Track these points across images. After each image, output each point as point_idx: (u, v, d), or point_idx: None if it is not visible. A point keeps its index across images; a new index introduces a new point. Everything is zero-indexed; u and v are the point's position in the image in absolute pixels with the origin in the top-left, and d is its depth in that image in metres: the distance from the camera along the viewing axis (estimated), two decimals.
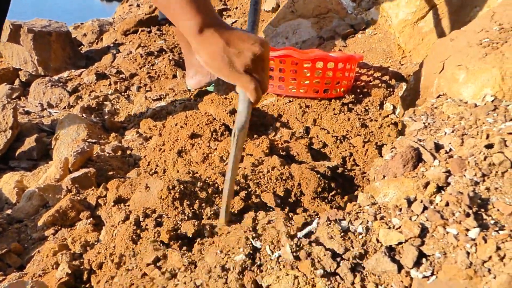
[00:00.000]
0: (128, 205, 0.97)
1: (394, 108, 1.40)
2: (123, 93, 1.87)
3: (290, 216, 0.99)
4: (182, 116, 1.24)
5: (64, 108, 1.82)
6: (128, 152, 1.33)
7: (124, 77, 1.99)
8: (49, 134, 1.52)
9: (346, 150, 1.24)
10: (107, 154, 1.29)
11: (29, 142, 1.41)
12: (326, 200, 1.03)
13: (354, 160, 1.21)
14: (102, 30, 2.71)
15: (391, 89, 1.48)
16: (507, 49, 0.97)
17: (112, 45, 2.46)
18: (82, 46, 2.62)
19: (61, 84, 1.94)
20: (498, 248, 0.56)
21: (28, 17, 2.35)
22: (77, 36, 2.70)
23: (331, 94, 1.40)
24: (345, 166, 1.19)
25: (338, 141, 1.26)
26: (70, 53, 2.27)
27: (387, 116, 1.37)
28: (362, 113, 1.39)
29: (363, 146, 1.24)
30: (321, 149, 1.25)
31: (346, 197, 1.04)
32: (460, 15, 1.51)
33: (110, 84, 1.93)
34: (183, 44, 1.73)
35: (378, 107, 1.44)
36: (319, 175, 1.04)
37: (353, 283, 0.63)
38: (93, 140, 1.39)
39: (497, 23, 1.09)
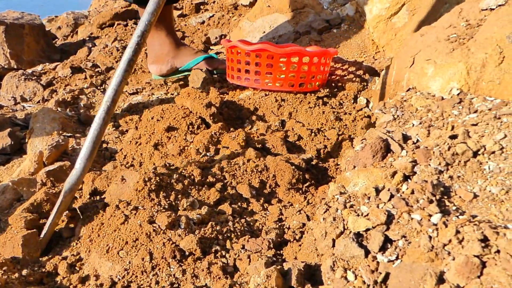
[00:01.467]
0: (104, 197, 0.98)
1: (368, 101, 1.44)
2: (99, 87, 1.85)
3: (265, 207, 1.02)
4: (158, 110, 1.24)
5: (38, 102, 1.80)
6: (104, 145, 1.33)
7: (100, 71, 1.97)
8: (23, 128, 1.49)
9: (320, 142, 1.27)
10: None
11: (2, 136, 1.38)
12: (300, 191, 1.06)
13: (328, 152, 1.24)
14: (77, 23, 2.67)
15: (365, 83, 1.52)
16: (473, 45, 1.01)
17: (87, 38, 2.43)
18: (57, 40, 2.58)
19: (35, 77, 1.91)
20: (458, 232, 0.59)
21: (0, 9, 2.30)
22: (51, 29, 2.65)
23: (307, 88, 1.42)
24: (320, 158, 1.22)
25: (313, 134, 1.29)
26: (44, 46, 2.23)
27: (361, 109, 1.40)
28: (337, 106, 1.42)
29: (337, 139, 1.27)
30: (297, 142, 1.28)
31: (320, 188, 1.07)
32: (431, 11, 1.55)
33: (85, 78, 1.91)
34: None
35: (352, 101, 1.47)
36: (293, 167, 1.07)
37: None
38: (68, 134, 1.38)
39: (464, 19, 1.13)
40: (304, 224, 0.93)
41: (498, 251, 0.56)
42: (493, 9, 1.05)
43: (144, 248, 0.83)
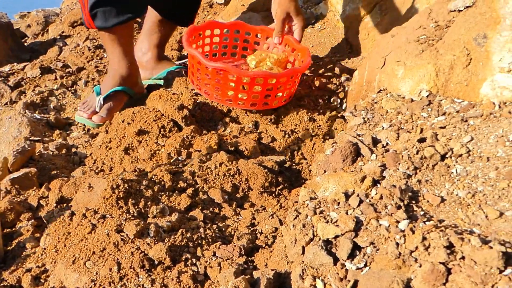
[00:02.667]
0: (71, 206, 0.95)
1: (342, 102, 1.44)
2: (69, 88, 1.80)
3: (238, 212, 1.01)
4: (129, 112, 1.22)
5: (6, 104, 1.73)
6: (74, 150, 1.29)
7: (71, 71, 1.92)
8: None
9: (294, 144, 1.26)
10: (51, 153, 1.24)
11: None
12: (273, 194, 1.05)
13: (302, 153, 1.24)
14: (48, 21, 2.59)
15: (339, 84, 1.52)
16: (441, 46, 1.02)
17: (58, 37, 2.36)
18: (26, 38, 2.50)
19: (2, 78, 1.85)
20: (424, 239, 0.59)
21: None
22: (21, 27, 2.57)
23: (271, 106, 1.33)
24: (293, 160, 1.22)
25: (287, 136, 1.28)
26: (12, 45, 2.16)
27: (335, 110, 1.40)
28: (311, 107, 1.42)
29: (311, 140, 1.27)
30: (270, 144, 1.27)
31: (293, 191, 1.07)
32: (403, 11, 1.56)
33: (55, 79, 1.85)
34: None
35: (326, 102, 1.47)
36: (266, 170, 1.06)
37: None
38: (36, 138, 1.33)
39: (433, 20, 1.14)
40: (276, 229, 0.92)
41: (463, 257, 0.56)
42: (461, 10, 1.06)
43: (112, 258, 0.81)
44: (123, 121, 1.21)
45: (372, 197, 0.71)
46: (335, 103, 1.43)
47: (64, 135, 1.41)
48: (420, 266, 0.57)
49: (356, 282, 0.61)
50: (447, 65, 0.97)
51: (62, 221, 0.89)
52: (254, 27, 1.57)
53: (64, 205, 0.98)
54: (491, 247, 0.53)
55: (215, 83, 1.29)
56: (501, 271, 0.51)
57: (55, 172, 1.14)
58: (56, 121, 1.50)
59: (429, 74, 0.99)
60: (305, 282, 0.63)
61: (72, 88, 1.81)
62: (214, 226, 0.93)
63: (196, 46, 1.49)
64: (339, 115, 1.35)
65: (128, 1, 1.36)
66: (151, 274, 0.79)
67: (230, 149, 1.18)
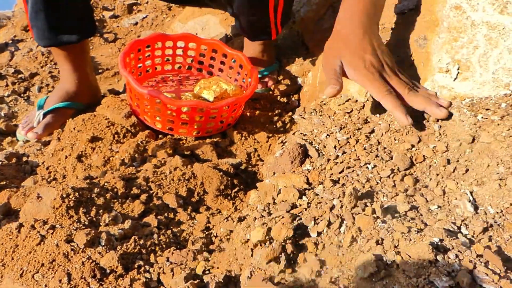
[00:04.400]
0: (19, 217, 0.92)
1: (298, 103, 1.46)
2: (22, 95, 1.75)
3: (193, 216, 1.01)
4: (80, 120, 1.19)
5: None
6: (24, 158, 1.25)
7: (23, 77, 1.86)
8: None
9: (251, 146, 1.28)
10: (0, 162, 1.20)
11: None
12: (229, 197, 1.06)
13: (258, 155, 1.25)
14: None
15: (295, 85, 1.55)
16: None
17: (10, 41, 2.28)
18: None
19: None
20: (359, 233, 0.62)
21: None
22: None
23: (214, 132, 1.30)
24: (250, 162, 1.23)
25: (243, 138, 1.29)
26: None
27: (290, 111, 1.43)
28: (267, 109, 1.44)
29: (267, 142, 1.28)
30: (227, 147, 1.28)
31: (248, 192, 1.08)
32: None
33: (7, 85, 1.80)
34: None
35: (283, 103, 1.49)
36: (221, 173, 1.06)
37: None
38: None
39: (380, 22, 1.17)
40: (231, 231, 0.93)
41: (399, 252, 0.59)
42: (405, 13, 1.10)
43: (62, 269, 0.79)
44: (74, 129, 1.19)
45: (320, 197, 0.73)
46: (293, 105, 1.46)
47: (15, 143, 1.36)
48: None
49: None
50: None
51: (9, 233, 0.87)
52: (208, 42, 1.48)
53: (13, 216, 0.95)
54: (422, 241, 0.56)
55: (154, 112, 1.20)
56: (432, 263, 0.54)
57: (4, 182, 1.11)
58: (7, 128, 1.46)
59: None
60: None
61: (24, 95, 1.76)
62: (169, 232, 0.93)
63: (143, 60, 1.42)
64: (294, 116, 1.37)
65: (59, 25, 1.24)
66: (102, 283, 0.79)
67: (186, 153, 1.18)
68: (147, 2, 2.59)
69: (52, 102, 1.39)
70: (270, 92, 1.53)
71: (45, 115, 1.35)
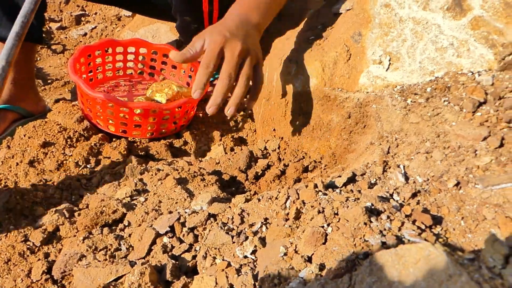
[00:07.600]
0: None
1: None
2: None
3: None
4: (29, 127, 1.19)
5: None
6: None
7: None
8: None
9: (205, 144, 1.32)
10: None
11: None
12: None
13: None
14: None
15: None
16: (326, 45, 1.13)
17: None
18: None
19: None
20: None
21: None
22: None
23: (168, 133, 1.32)
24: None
25: (197, 138, 1.33)
26: None
27: (243, 110, 1.48)
28: (221, 108, 1.48)
29: (220, 140, 1.33)
30: (182, 147, 1.31)
31: None
32: (300, 16, 1.69)
33: None
34: None
35: None
36: None
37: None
38: None
39: (320, 22, 1.26)
40: None
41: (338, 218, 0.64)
42: (342, 13, 1.19)
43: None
44: (25, 135, 1.18)
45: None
46: (245, 104, 1.51)
47: None
48: (303, 232, 0.65)
49: (254, 251, 0.67)
50: (331, 61, 1.09)
51: None
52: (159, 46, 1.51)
53: None
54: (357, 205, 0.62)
55: (106, 115, 1.21)
56: (366, 224, 0.60)
57: None
58: None
59: (317, 70, 1.09)
60: (207, 261, 0.68)
61: None
62: None
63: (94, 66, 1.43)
64: (247, 114, 1.43)
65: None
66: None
67: (140, 153, 1.20)
68: (96, 13, 2.58)
69: None
70: None
71: None
